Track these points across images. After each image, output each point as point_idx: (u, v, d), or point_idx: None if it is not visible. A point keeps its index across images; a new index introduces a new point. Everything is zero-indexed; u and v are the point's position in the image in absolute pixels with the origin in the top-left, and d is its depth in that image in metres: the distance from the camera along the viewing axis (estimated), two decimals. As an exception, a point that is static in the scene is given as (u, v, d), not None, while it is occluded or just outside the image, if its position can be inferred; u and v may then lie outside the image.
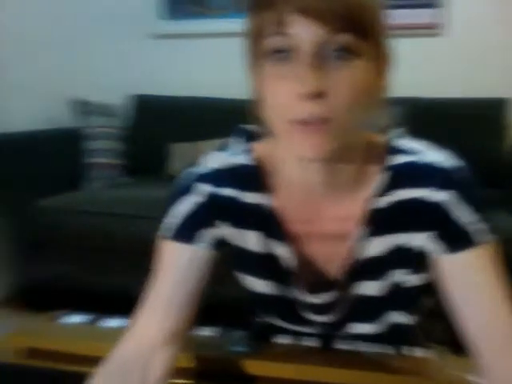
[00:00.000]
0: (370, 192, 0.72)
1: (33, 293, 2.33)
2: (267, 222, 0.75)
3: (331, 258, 0.75)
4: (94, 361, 0.68)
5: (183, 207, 0.74)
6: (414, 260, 0.74)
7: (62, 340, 0.86)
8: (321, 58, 0.59)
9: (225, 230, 0.76)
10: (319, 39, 0.59)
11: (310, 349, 0.83)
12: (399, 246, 0.73)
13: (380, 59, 0.65)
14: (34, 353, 0.84)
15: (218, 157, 0.76)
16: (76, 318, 0.95)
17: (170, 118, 2.71)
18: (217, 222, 0.75)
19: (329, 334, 0.83)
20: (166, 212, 0.75)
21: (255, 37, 0.63)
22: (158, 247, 0.75)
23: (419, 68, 2.42)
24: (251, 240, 0.76)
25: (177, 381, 0.75)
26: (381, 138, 0.74)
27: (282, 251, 0.76)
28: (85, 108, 2.67)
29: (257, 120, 0.67)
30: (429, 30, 2.56)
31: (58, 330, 0.92)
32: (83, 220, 2.23)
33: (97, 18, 2.87)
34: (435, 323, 0.91)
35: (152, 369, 0.68)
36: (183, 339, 0.73)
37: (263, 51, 0.62)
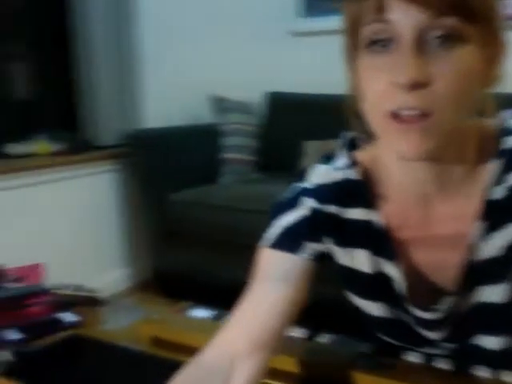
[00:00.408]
0: (484, 183, 0.65)
1: (164, 281, 2.46)
2: (374, 238, 0.70)
3: (444, 266, 0.69)
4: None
5: (287, 219, 0.72)
6: None
7: (185, 333, 0.88)
8: (422, 45, 0.55)
9: (330, 247, 0.73)
10: (421, 24, 0.54)
11: (441, 372, 0.76)
12: None
13: (491, 46, 0.58)
14: (158, 342, 0.88)
15: (321, 171, 0.73)
16: (201, 312, 0.97)
17: (303, 115, 2.70)
18: (321, 238, 0.72)
19: (455, 351, 0.76)
20: (269, 224, 0.74)
21: (353, 27, 0.60)
22: (258, 256, 0.74)
23: None
24: (358, 259, 0.72)
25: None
26: (491, 123, 0.67)
27: (391, 270, 0.71)
28: (223, 105, 2.75)
29: (358, 120, 0.64)
30: None
31: (183, 323, 0.94)
32: (211, 214, 2.30)
33: (235, 16, 2.94)
34: None
35: (235, 376, 0.66)
36: (274, 348, 0.70)
37: (361, 41, 0.59)
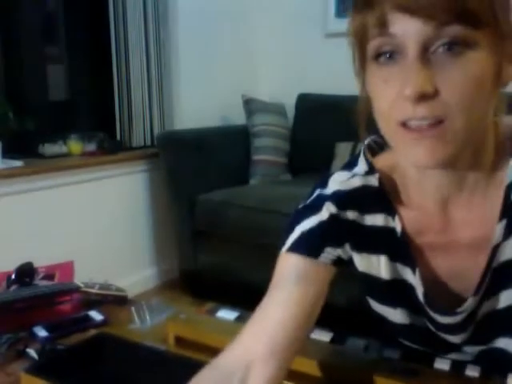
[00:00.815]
0: (504, 183, 0.64)
1: (191, 281, 2.47)
2: (393, 244, 0.70)
3: (464, 270, 0.68)
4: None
5: (306, 224, 0.72)
6: None
7: (207, 333, 0.87)
8: (428, 55, 0.54)
9: (349, 253, 0.73)
10: (425, 36, 0.54)
11: (465, 380, 0.73)
12: None
13: (502, 48, 0.57)
14: (182, 342, 0.88)
15: (341, 177, 0.73)
16: (227, 314, 0.96)
17: (334, 116, 2.67)
18: (339, 243, 0.72)
19: (480, 356, 0.74)
20: (290, 228, 0.73)
21: (359, 40, 0.60)
22: (277, 260, 0.73)
23: None
24: (376, 265, 0.72)
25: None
26: (506, 123, 0.66)
27: (410, 276, 0.70)
28: (255, 106, 2.75)
29: (372, 128, 0.64)
30: None
31: (208, 323, 0.94)
32: (240, 215, 2.30)
33: (268, 19, 2.94)
34: None
35: (250, 381, 0.64)
36: (292, 351, 0.69)
37: (368, 54, 0.59)
